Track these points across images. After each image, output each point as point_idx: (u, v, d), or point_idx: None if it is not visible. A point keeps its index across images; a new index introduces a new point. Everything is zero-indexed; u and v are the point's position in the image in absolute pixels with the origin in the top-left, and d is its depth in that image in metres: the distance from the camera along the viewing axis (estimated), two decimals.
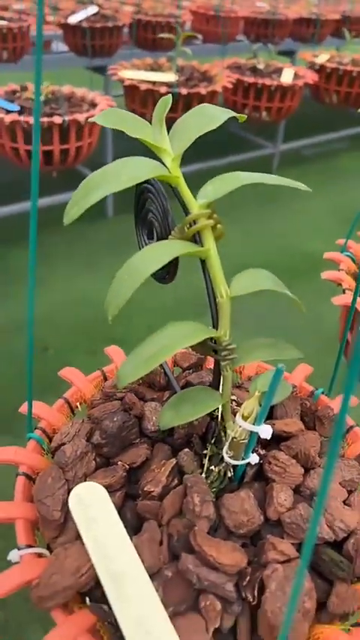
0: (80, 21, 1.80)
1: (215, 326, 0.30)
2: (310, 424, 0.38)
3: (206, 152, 2.00)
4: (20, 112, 0.97)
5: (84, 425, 0.34)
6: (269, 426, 0.29)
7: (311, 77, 1.48)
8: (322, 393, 0.40)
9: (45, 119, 0.89)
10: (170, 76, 1.03)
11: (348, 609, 0.28)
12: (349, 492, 0.33)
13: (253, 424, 0.29)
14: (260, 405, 0.29)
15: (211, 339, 0.30)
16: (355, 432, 0.37)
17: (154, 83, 1.03)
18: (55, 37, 2.40)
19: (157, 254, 0.28)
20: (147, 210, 0.35)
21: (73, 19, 1.79)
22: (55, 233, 1.62)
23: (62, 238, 1.66)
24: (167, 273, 0.34)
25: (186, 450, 0.33)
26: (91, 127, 0.98)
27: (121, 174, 0.29)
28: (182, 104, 1.02)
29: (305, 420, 0.38)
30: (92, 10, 1.75)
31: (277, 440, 0.35)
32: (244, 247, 1.69)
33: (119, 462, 0.32)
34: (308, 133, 2.41)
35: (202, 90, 1.02)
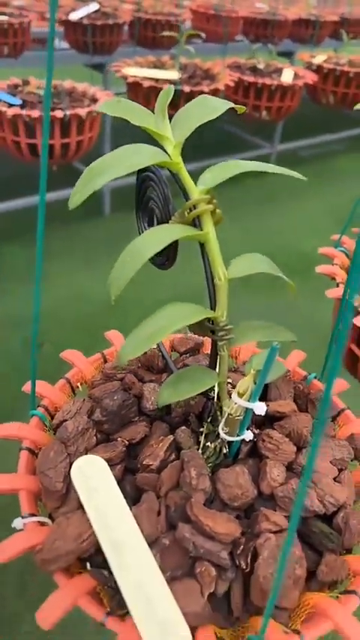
0: (81, 18, 1.80)
1: (213, 308, 0.32)
2: (302, 406, 0.39)
3: (204, 151, 2.02)
4: (22, 106, 0.98)
5: (85, 403, 0.36)
6: (263, 403, 0.30)
7: (311, 77, 1.50)
8: (315, 377, 0.41)
9: None
10: (173, 74, 1.05)
11: (336, 577, 0.29)
12: (340, 470, 0.34)
13: (248, 401, 0.30)
14: (255, 383, 0.30)
15: (209, 320, 0.32)
16: (346, 414, 0.39)
17: (157, 80, 1.04)
18: (56, 34, 2.41)
19: (158, 237, 0.29)
20: (148, 197, 0.36)
21: (74, 16, 1.80)
22: (53, 230, 1.63)
23: (59, 235, 1.67)
24: (167, 259, 0.35)
25: (183, 427, 0.34)
26: (92, 122, 0.99)
27: (124, 160, 0.30)
28: (185, 101, 1.03)
29: (298, 403, 0.39)
30: (93, 7, 1.76)
31: (271, 420, 0.36)
32: (243, 245, 1.70)
33: (119, 438, 0.34)
34: (306, 133, 2.43)
35: (205, 87, 1.04)
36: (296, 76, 1.48)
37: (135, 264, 0.28)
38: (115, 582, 0.27)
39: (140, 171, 0.36)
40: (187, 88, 1.01)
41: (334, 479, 0.34)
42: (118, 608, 0.27)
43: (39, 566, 0.27)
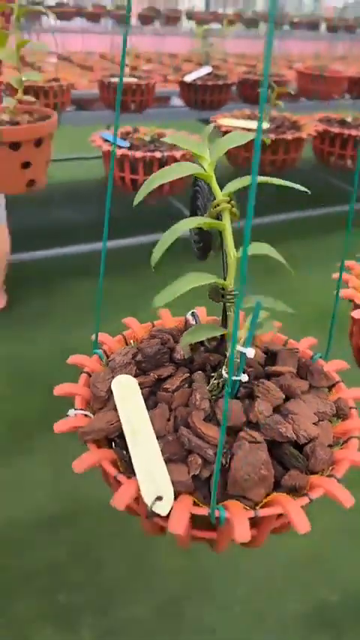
0: (195, 79, 2.05)
1: (225, 279, 0.43)
2: (303, 376, 0.48)
3: (303, 202, 2.12)
4: (129, 148, 1.18)
5: (132, 349, 0.48)
6: (252, 349, 0.40)
7: None
8: (320, 357, 0.50)
9: (148, 154, 1.08)
10: (263, 124, 1.20)
11: (295, 483, 0.38)
12: (320, 420, 0.43)
13: (243, 346, 0.41)
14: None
15: (222, 288, 0.43)
16: (340, 385, 0.47)
17: (247, 129, 1.19)
18: (174, 93, 2.72)
19: (189, 222, 0.42)
20: (196, 205, 0.49)
21: (188, 78, 2.06)
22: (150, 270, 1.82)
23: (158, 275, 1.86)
24: (203, 251, 0.48)
25: (199, 371, 0.45)
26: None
27: (173, 171, 0.43)
28: (270, 148, 1.17)
29: (300, 373, 0.48)
30: (206, 70, 2.00)
31: (270, 378, 0.46)
32: (325, 289, 1.76)
33: (151, 374, 0.45)
34: None
35: (289, 136, 1.17)
36: None
37: (171, 239, 0.41)
38: (129, 458, 0.38)
39: (193, 186, 0.49)
40: (272, 136, 1.15)
41: (313, 423, 0.42)
42: (128, 473, 0.38)
43: (79, 437, 0.39)
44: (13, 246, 2.20)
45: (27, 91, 1.02)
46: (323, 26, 5.53)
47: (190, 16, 5.09)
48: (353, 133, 1.46)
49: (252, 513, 0.35)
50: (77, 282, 2.09)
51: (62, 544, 1.44)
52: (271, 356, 0.49)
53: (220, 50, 3.79)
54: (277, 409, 0.43)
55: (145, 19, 5.09)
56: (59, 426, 0.40)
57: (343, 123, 1.63)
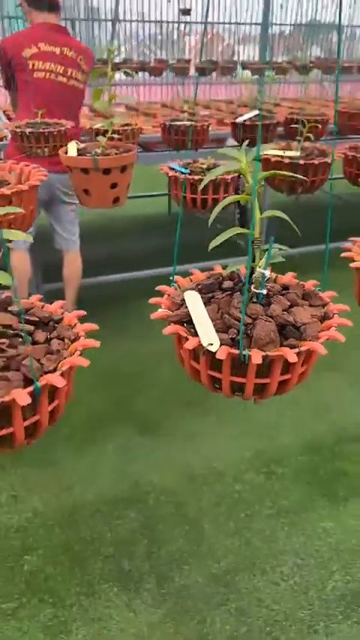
0: (244, 120, 2.38)
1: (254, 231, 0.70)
2: (306, 299, 0.74)
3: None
4: (189, 174, 1.49)
5: (195, 284, 0.76)
6: (269, 271, 0.67)
7: None
8: (319, 290, 0.76)
9: (203, 177, 1.39)
10: (295, 153, 1.48)
11: (291, 344, 0.63)
12: (312, 318, 0.68)
13: (263, 269, 0.67)
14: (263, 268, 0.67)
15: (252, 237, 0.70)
16: (329, 304, 0.72)
17: (281, 157, 1.48)
18: (229, 135, 3.08)
19: (231, 198, 0.70)
20: (240, 192, 0.77)
21: (239, 120, 2.39)
22: None
23: None
24: (243, 223, 0.75)
25: (238, 292, 0.72)
26: (236, 183, 1.45)
27: (223, 168, 0.72)
28: (300, 171, 1.45)
29: (304, 298, 0.74)
30: (254, 112, 2.32)
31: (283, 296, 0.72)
32: None
33: (207, 294, 0.73)
34: None
35: (316, 161, 1.45)
36: None
37: (220, 207, 0.69)
38: (194, 330, 0.65)
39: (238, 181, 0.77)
40: (302, 162, 1.43)
41: (308, 319, 0.68)
42: (193, 336, 0.65)
43: (165, 319, 0.67)
44: (95, 271, 2.58)
45: (105, 132, 1.36)
46: None
47: (245, 66, 5.54)
48: None
49: (264, 353, 0.61)
50: (147, 302, 2.41)
51: (126, 521, 1.69)
52: (286, 288, 0.76)
53: (273, 95, 4.18)
54: (285, 310, 0.69)
55: (202, 70, 5.60)
56: (155, 315, 0.68)
57: None
